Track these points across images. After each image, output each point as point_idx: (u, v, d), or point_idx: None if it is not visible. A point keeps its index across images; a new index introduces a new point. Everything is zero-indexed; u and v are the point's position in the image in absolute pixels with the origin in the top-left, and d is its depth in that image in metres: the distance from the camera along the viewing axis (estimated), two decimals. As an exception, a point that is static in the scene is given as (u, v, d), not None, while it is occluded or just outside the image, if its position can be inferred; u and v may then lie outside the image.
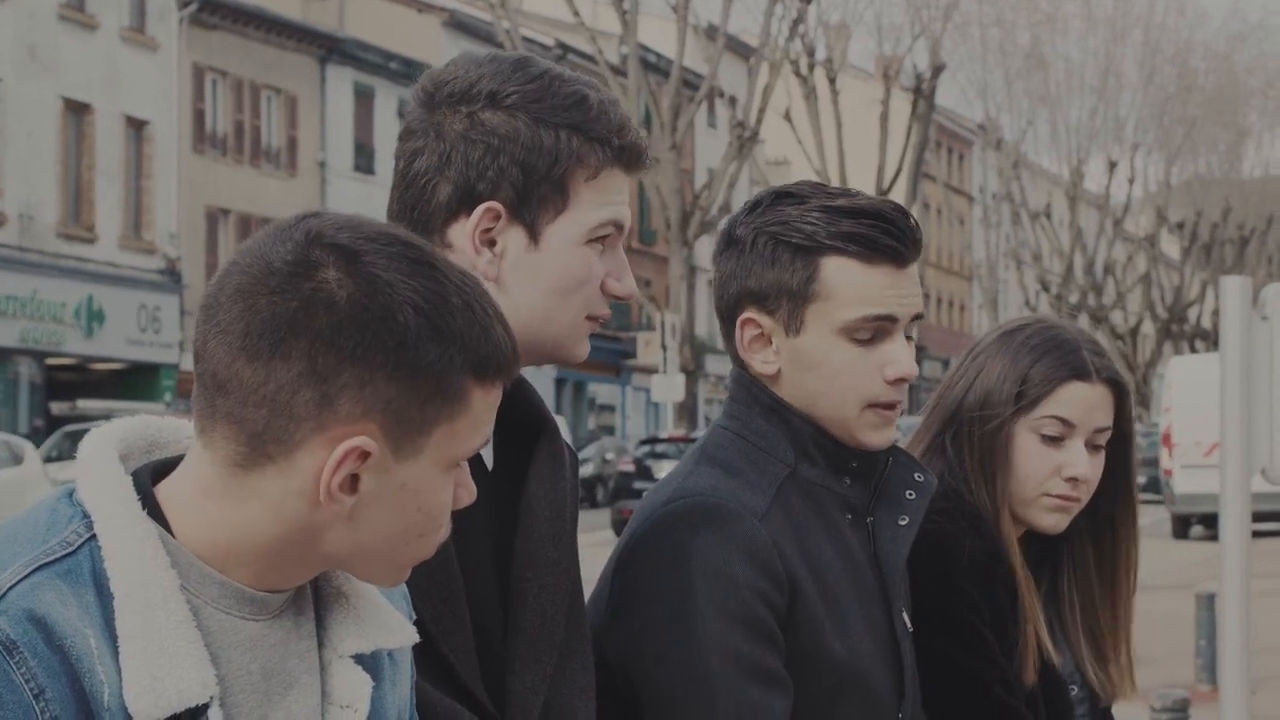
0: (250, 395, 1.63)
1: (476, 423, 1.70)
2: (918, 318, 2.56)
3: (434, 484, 1.69)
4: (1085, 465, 2.91)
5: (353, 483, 1.65)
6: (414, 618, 1.90)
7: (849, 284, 2.50)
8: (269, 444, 1.64)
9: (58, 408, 34.10)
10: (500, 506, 2.24)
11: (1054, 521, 2.94)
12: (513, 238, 2.19)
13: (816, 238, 2.51)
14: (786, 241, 2.52)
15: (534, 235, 2.19)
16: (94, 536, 1.65)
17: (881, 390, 2.52)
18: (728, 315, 2.60)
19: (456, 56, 2.29)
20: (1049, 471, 2.91)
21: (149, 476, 1.71)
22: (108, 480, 1.68)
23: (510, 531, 2.24)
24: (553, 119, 2.19)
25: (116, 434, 1.74)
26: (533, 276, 2.20)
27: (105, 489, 1.67)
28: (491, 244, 2.19)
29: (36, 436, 31.40)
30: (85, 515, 1.66)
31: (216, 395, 1.65)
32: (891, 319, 2.51)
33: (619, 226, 2.24)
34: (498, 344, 1.69)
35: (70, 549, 1.64)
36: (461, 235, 2.19)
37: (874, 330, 2.51)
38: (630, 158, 2.24)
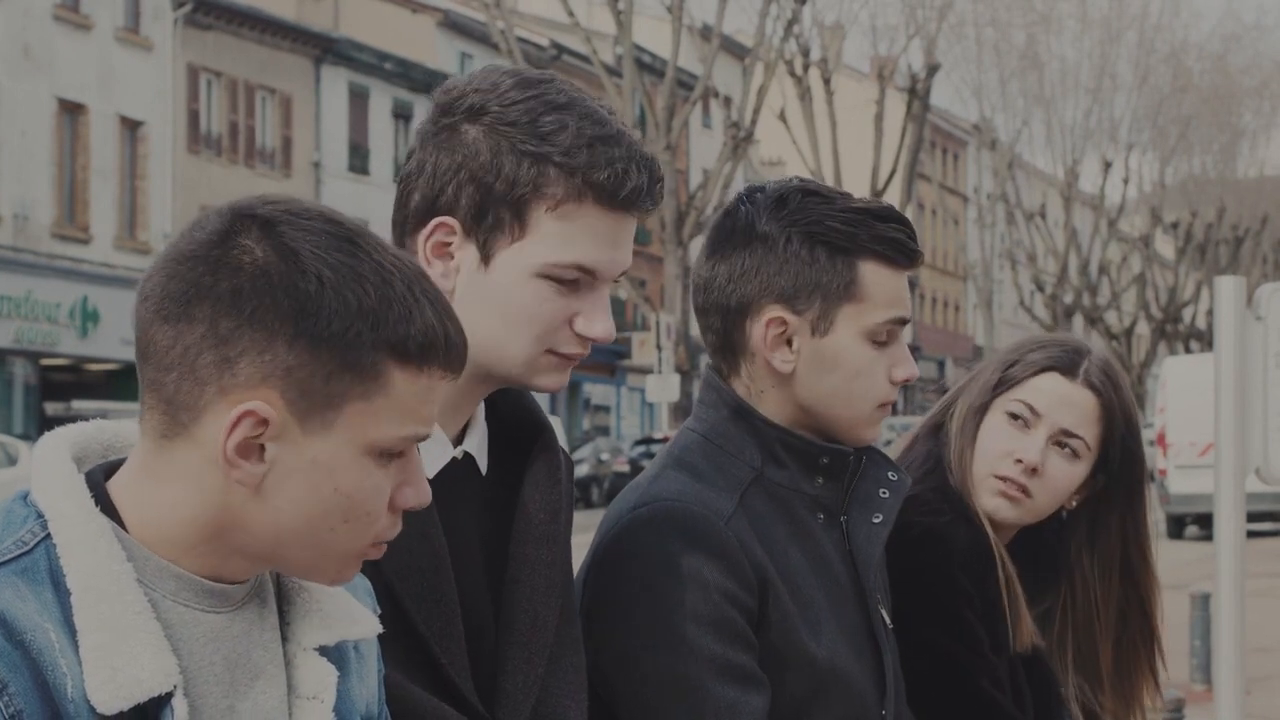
0: (163, 359, 1.65)
1: (402, 408, 1.66)
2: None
3: (351, 465, 1.66)
4: (1036, 453, 2.91)
5: (260, 452, 1.64)
6: (378, 611, 1.89)
7: (881, 287, 2.53)
8: (181, 410, 1.65)
9: (52, 408, 34.03)
10: (495, 510, 2.24)
11: (994, 506, 2.92)
12: (467, 255, 2.16)
13: (856, 240, 2.52)
14: (825, 241, 2.52)
15: (485, 257, 2.16)
16: (49, 535, 1.66)
17: (890, 391, 2.57)
18: (737, 311, 2.55)
19: (483, 68, 2.25)
20: (1002, 452, 2.93)
21: (102, 476, 1.72)
22: (60, 481, 1.69)
23: (504, 535, 2.24)
24: (520, 145, 2.13)
25: (70, 437, 1.75)
26: (480, 298, 2.15)
27: (58, 489, 1.68)
28: (450, 258, 2.17)
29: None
30: (40, 515, 1.67)
31: (142, 364, 1.67)
32: (905, 321, 2.57)
33: (588, 271, 2.15)
34: (426, 328, 1.66)
35: (26, 548, 1.65)
36: (423, 244, 2.18)
37: (892, 333, 2.56)
38: (607, 195, 2.13)
